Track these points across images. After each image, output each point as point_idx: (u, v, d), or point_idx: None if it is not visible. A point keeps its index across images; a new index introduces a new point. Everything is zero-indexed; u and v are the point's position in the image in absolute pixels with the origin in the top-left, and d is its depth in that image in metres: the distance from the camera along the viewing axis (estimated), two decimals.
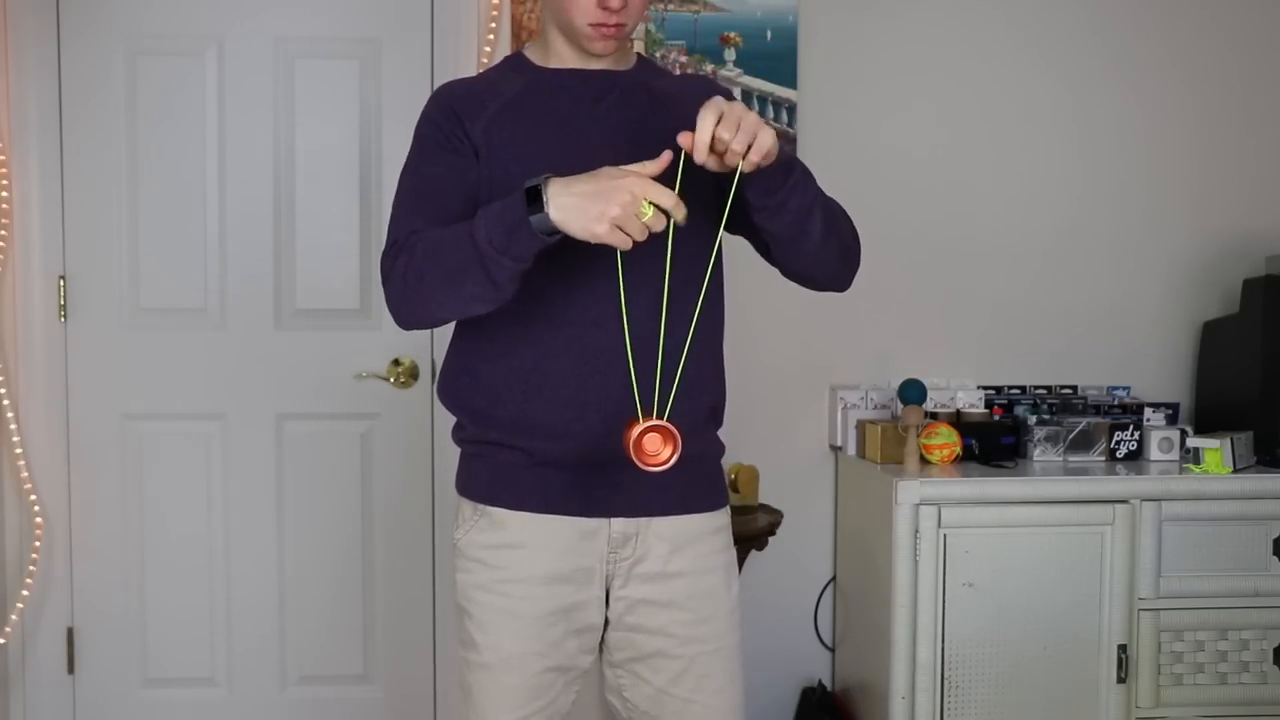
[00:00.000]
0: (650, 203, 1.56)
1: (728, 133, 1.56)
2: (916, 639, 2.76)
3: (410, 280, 1.69)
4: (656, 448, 1.61)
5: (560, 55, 1.82)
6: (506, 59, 1.91)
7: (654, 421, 1.61)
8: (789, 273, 1.88)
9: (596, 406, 1.74)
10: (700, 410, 1.83)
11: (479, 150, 1.77)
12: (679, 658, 1.81)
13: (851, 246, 1.87)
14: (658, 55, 3.13)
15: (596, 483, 1.76)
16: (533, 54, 1.87)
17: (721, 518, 1.89)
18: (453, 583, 1.86)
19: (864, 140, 3.23)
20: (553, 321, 1.75)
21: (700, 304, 1.73)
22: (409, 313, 1.74)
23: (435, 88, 3.10)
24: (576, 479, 1.76)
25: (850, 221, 1.86)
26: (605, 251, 1.64)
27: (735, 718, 1.87)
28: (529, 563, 1.77)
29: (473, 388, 1.81)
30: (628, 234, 1.56)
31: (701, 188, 1.69)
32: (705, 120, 1.57)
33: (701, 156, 1.58)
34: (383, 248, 1.79)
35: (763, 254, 1.87)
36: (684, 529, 1.82)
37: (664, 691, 1.82)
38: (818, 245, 1.77)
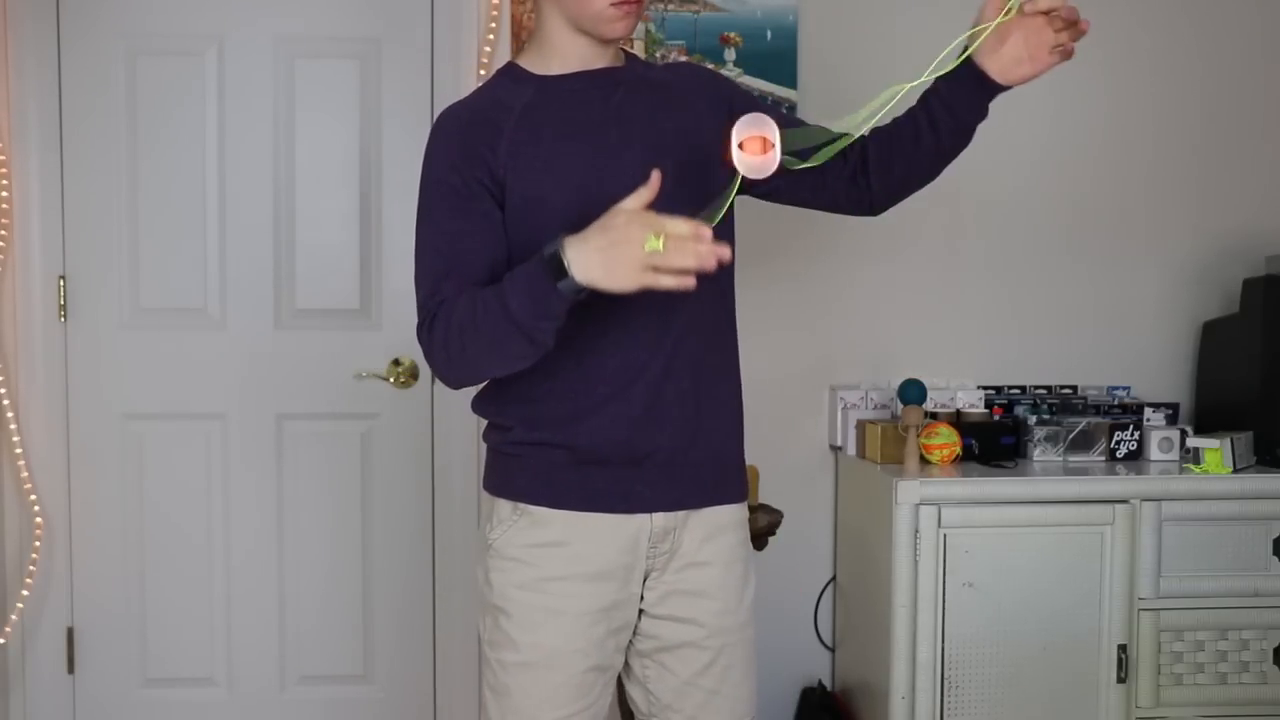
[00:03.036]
0: (657, 235, 1.54)
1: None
2: (916, 639, 2.75)
3: (452, 352, 1.72)
4: (757, 147, 1.59)
5: (563, 57, 1.80)
6: (500, 72, 1.88)
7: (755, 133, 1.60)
8: (895, 183, 1.93)
9: (637, 399, 1.75)
10: (726, 402, 1.87)
11: (505, 173, 1.75)
12: (707, 649, 1.84)
13: None
14: (658, 55, 3.13)
15: (637, 478, 1.78)
16: (529, 63, 1.84)
17: (743, 512, 1.92)
18: (483, 583, 1.84)
19: None
20: (594, 321, 1.74)
21: (719, 306, 1.83)
22: (456, 379, 1.78)
23: (435, 87, 3.14)
24: (618, 476, 1.78)
25: None
26: None
27: (752, 706, 1.91)
28: (573, 561, 1.78)
29: (516, 394, 1.81)
30: (673, 272, 1.54)
31: (700, 187, 1.74)
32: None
33: None
34: (417, 314, 1.78)
35: (836, 195, 1.95)
36: (714, 520, 1.85)
37: (690, 683, 1.84)
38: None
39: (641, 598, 1.83)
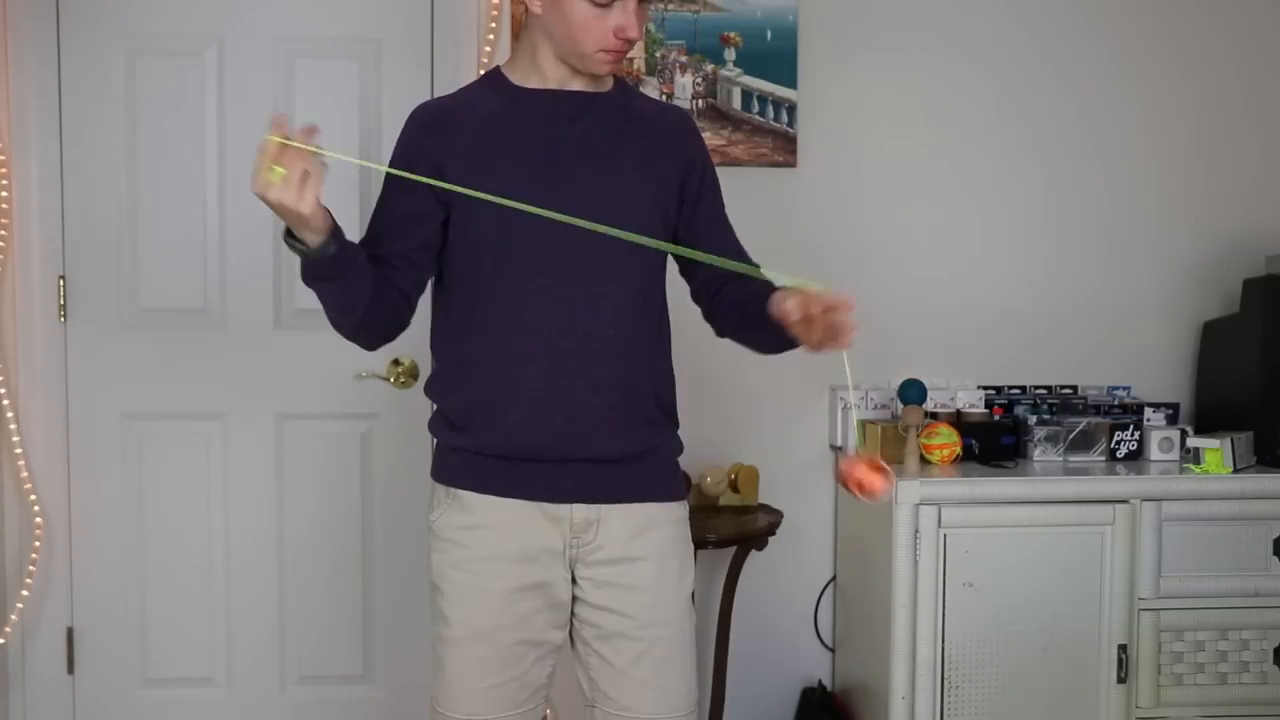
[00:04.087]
0: (276, 166, 1.61)
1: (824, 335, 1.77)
2: (916, 639, 2.76)
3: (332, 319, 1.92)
4: (873, 482, 1.69)
5: (542, 74, 1.90)
6: (485, 76, 1.99)
7: (867, 455, 1.70)
8: (725, 335, 2.06)
9: (563, 409, 1.87)
10: (656, 406, 1.96)
11: (452, 177, 1.84)
12: (639, 640, 1.92)
13: None
14: (658, 55, 3.13)
15: (560, 472, 1.88)
16: (511, 73, 1.94)
17: (680, 510, 2.00)
18: (428, 564, 1.96)
19: (864, 140, 3.23)
20: (523, 331, 1.86)
21: (643, 315, 1.93)
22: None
23: (435, 88, 3.14)
24: (542, 469, 1.88)
25: None
26: (584, 268, 1.84)
27: (690, 703, 1.97)
28: (495, 542, 1.89)
29: (454, 392, 1.92)
30: (278, 197, 1.64)
31: (650, 218, 1.88)
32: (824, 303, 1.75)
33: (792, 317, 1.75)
34: None
35: (694, 292, 2.06)
36: (644, 516, 1.93)
37: (623, 673, 1.93)
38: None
39: (575, 582, 1.92)
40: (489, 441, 1.88)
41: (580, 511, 1.89)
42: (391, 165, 1.90)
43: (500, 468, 1.88)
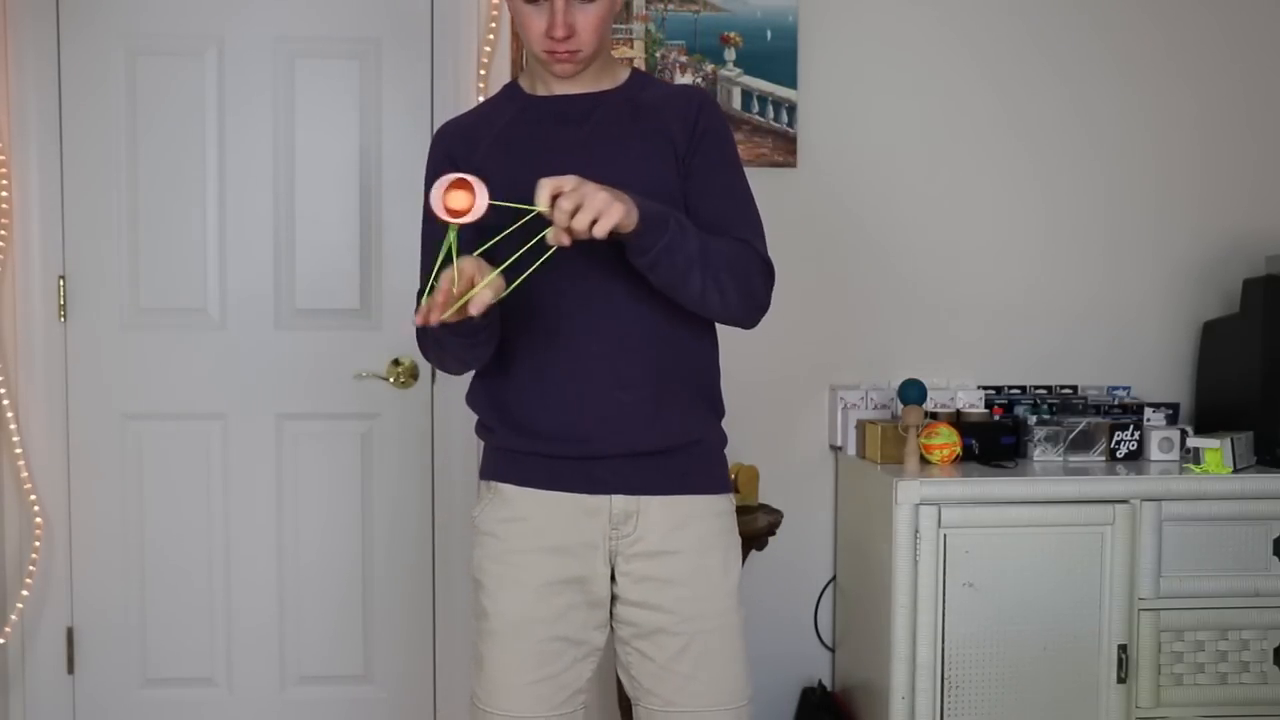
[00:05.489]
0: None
1: (568, 207, 1.62)
2: (916, 639, 2.76)
3: (431, 359, 1.92)
4: (460, 202, 1.62)
5: (545, 82, 1.92)
6: (504, 88, 2.01)
7: (457, 175, 1.63)
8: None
9: (594, 411, 1.86)
10: (693, 398, 1.93)
11: None
12: (679, 635, 1.89)
13: (751, 292, 1.88)
14: (658, 55, 3.13)
15: (599, 467, 1.87)
16: (524, 82, 1.97)
17: (724, 503, 1.97)
18: (470, 559, 1.97)
19: (864, 140, 3.23)
20: (547, 333, 1.87)
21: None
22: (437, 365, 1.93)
23: (435, 88, 3.16)
24: (580, 465, 1.88)
25: (751, 263, 1.87)
26: (593, 266, 1.81)
27: (742, 694, 1.94)
28: (532, 534, 1.89)
29: (485, 401, 1.95)
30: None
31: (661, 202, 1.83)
32: (540, 195, 1.63)
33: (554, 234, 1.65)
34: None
35: None
36: (684, 508, 1.91)
37: (665, 669, 1.91)
38: (697, 297, 1.81)
39: (615, 580, 1.90)
40: (524, 444, 1.89)
41: (620, 503, 1.88)
42: (430, 181, 1.84)
43: (538, 463, 1.89)
